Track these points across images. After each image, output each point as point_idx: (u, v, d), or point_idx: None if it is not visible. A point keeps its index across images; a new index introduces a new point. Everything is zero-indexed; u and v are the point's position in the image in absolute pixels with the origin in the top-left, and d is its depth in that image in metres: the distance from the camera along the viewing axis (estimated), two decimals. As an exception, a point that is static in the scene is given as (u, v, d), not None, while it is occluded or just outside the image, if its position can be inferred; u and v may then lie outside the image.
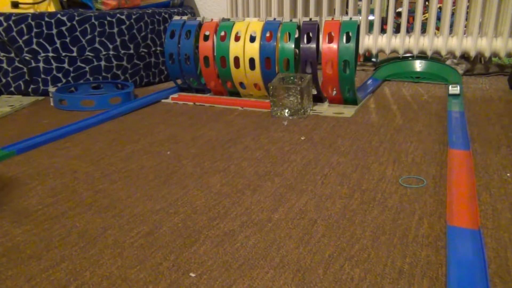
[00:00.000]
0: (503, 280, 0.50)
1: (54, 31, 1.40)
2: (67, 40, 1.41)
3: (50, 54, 1.42)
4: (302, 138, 1.00)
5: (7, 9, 1.44)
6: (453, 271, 0.51)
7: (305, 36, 1.21)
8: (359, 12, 1.71)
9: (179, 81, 1.44)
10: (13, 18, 1.38)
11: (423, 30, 1.65)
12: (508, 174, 0.78)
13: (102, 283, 0.51)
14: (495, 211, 0.66)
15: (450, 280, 0.49)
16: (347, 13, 1.73)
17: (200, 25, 1.37)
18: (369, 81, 1.56)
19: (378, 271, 0.52)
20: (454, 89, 1.26)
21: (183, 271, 0.53)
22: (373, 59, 1.96)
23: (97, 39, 1.44)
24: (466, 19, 1.62)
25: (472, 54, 1.59)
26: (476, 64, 1.75)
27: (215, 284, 0.50)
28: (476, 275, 0.50)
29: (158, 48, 1.61)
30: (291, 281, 0.50)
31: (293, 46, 1.23)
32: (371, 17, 1.72)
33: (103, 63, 1.47)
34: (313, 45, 1.21)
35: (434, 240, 0.58)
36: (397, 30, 1.65)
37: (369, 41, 1.68)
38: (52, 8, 1.46)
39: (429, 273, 0.52)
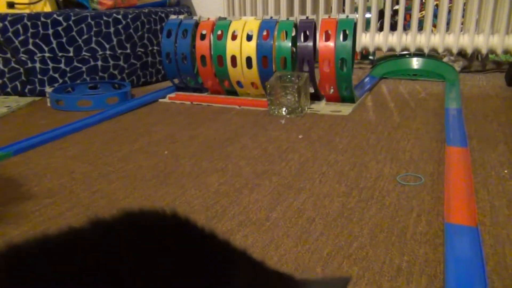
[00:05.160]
0: (501, 277, 0.50)
1: (50, 31, 1.39)
2: (64, 40, 1.41)
3: (47, 55, 1.41)
4: (300, 137, 1.00)
5: (3, 9, 1.43)
6: (451, 269, 0.51)
7: (302, 35, 1.21)
8: (355, 10, 1.71)
9: (176, 81, 1.44)
10: (8, 18, 1.38)
11: (420, 27, 1.65)
12: (506, 171, 0.78)
13: (100, 284, 0.51)
14: (493, 208, 0.66)
15: (448, 278, 0.49)
16: (344, 11, 1.73)
17: (196, 24, 1.37)
18: (366, 79, 1.56)
19: (376, 269, 0.52)
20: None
21: (181, 271, 0.53)
22: (370, 57, 1.96)
23: (94, 39, 1.44)
24: (463, 16, 1.62)
25: (469, 51, 1.59)
26: (473, 61, 1.75)
27: (213, 283, 0.50)
28: (474, 272, 0.50)
29: (155, 48, 1.60)
30: (290, 280, 0.50)
31: (290, 44, 1.22)
32: (368, 15, 1.72)
33: (99, 63, 1.47)
34: (310, 44, 1.20)
35: (432, 238, 0.58)
36: (393, 27, 1.65)
37: (366, 39, 1.68)
38: (48, 8, 1.46)
39: (427, 270, 0.52)
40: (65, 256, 0.26)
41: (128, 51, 1.51)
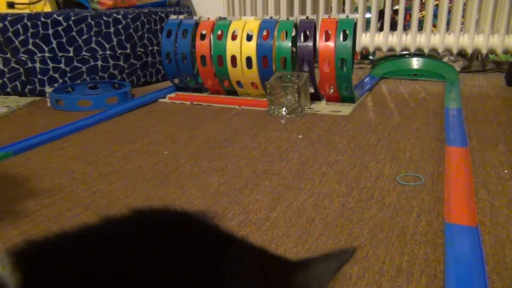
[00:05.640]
0: (501, 277, 0.50)
1: (50, 31, 1.39)
2: (63, 40, 1.41)
3: (47, 54, 1.41)
4: (300, 137, 1.00)
5: (3, 9, 1.43)
6: (451, 268, 0.51)
7: (302, 35, 1.21)
8: (355, 10, 1.71)
9: (176, 81, 1.44)
10: (8, 18, 1.38)
11: (420, 27, 1.65)
12: (506, 171, 0.78)
13: (100, 284, 0.51)
14: (493, 208, 0.66)
15: (448, 278, 0.49)
16: (344, 11, 1.73)
17: (196, 24, 1.37)
18: (366, 79, 1.56)
19: (376, 269, 0.52)
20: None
21: (181, 271, 0.53)
22: (370, 57, 1.96)
23: (94, 39, 1.44)
24: (463, 16, 1.62)
25: (469, 51, 1.59)
26: (473, 61, 1.75)
27: (213, 283, 0.50)
28: (474, 272, 0.50)
29: (155, 48, 1.60)
30: (290, 280, 0.50)
31: (290, 44, 1.22)
32: (368, 15, 1.72)
33: (99, 63, 1.47)
34: (310, 44, 1.20)
35: (432, 238, 0.58)
36: (393, 27, 1.65)
37: (366, 39, 1.68)
38: (48, 8, 1.45)
39: (427, 270, 0.52)
40: (74, 255, 0.26)
41: (128, 51, 1.51)
